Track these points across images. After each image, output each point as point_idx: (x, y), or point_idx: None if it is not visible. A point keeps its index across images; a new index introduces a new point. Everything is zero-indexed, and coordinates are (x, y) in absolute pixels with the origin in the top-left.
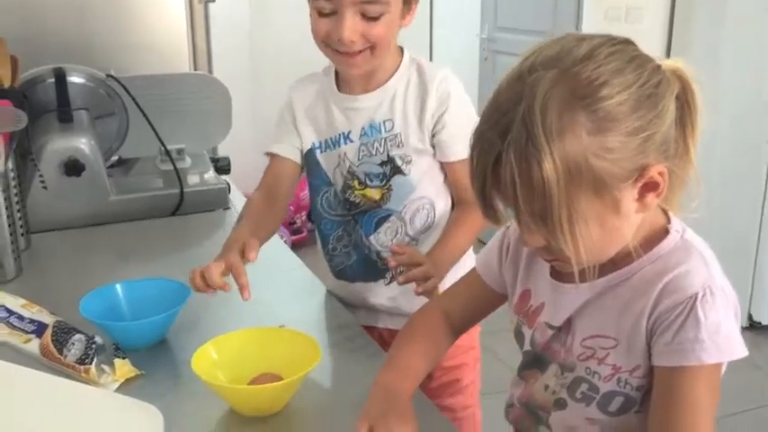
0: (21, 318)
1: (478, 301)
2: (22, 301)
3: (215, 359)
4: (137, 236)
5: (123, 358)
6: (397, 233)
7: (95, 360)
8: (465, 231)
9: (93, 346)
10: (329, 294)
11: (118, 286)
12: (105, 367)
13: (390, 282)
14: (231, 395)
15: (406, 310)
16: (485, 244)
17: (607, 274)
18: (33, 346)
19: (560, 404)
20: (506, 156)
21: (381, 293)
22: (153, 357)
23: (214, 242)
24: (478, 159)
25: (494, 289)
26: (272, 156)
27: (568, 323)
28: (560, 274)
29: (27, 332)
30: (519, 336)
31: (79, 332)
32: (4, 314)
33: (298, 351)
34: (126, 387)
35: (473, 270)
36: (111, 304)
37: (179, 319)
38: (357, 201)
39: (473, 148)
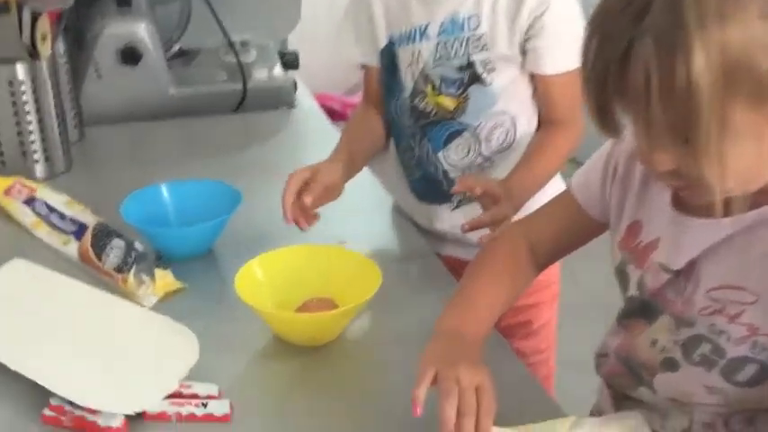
0: (62, 216)
1: (571, 229)
2: (66, 198)
3: (260, 279)
4: (195, 133)
5: (165, 269)
6: (469, 151)
7: (134, 269)
8: (550, 157)
9: (133, 253)
10: (397, 211)
11: (163, 188)
12: (145, 277)
13: (458, 207)
14: (277, 322)
15: (476, 240)
16: (581, 165)
17: (751, 210)
18: (72, 248)
19: (670, 365)
20: (640, 46)
21: (447, 219)
22: (197, 270)
23: (277, 143)
24: (598, 52)
25: (592, 216)
26: (360, 64)
27: (691, 267)
28: (686, 205)
29: (67, 233)
30: (622, 276)
31: (120, 236)
32: (45, 211)
33: (356, 274)
34: (165, 301)
35: (566, 192)
36: (156, 208)
37: (229, 228)
38: (428, 110)
39: (590, 36)
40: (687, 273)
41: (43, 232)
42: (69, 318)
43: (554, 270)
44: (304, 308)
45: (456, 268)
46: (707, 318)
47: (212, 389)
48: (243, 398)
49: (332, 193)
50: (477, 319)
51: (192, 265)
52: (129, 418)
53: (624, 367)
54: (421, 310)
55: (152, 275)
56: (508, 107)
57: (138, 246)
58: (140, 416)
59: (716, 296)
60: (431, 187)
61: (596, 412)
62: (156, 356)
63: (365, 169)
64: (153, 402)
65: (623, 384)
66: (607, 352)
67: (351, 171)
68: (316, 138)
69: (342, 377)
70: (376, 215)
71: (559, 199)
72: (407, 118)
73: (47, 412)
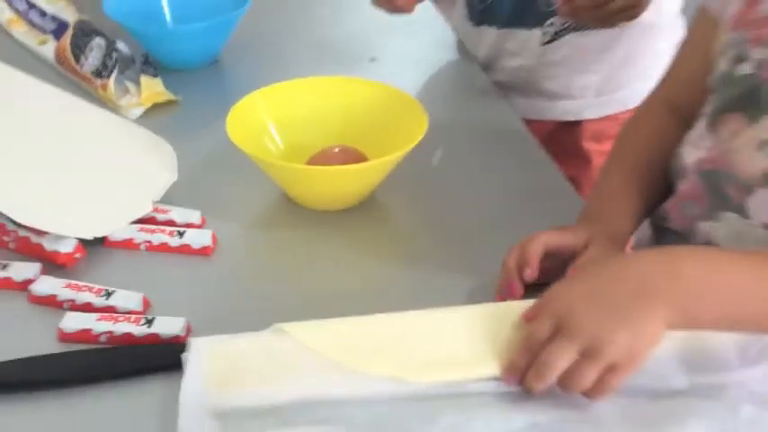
0: (42, 14)
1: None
2: None
3: (264, 120)
4: None
5: (154, 77)
6: None
7: (115, 73)
8: None
9: (114, 55)
10: (461, 46)
11: None
12: (129, 85)
13: (552, 41)
14: (286, 176)
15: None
16: None
17: None
18: (49, 49)
19: None
20: None
21: (535, 54)
22: (194, 82)
23: None
24: None
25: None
26: None
27: None
28: None
29: (45, 31)
30: (728, 64)
31: (101, 35)
32: (24, 6)
33: (393, 114)
34: (152, 116)
35: (698, 18)
36: (150, 4)
37: (237, 35)
38: None
39: None
40: None
41: (20, 30)
42: (31, 124)
43: None
44: (320, 157)
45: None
46: None
47: (193, 216)
48: (229, 231)
49: None
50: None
51: (189, 76)
52: (86, 243)
53: (705, 185)
54: (480, 170)
55: (137, 83)
56: None
57: (122, 46)
58: (101, 241)
59: None
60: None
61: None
62: (127, 173)
63: None
64: (116, 227)
65: (695, 212)
66: (682, 167)
67: None
68: None
69: (359, 243)
70: (432, 36)
71: (692, 32)
72: None
73: None
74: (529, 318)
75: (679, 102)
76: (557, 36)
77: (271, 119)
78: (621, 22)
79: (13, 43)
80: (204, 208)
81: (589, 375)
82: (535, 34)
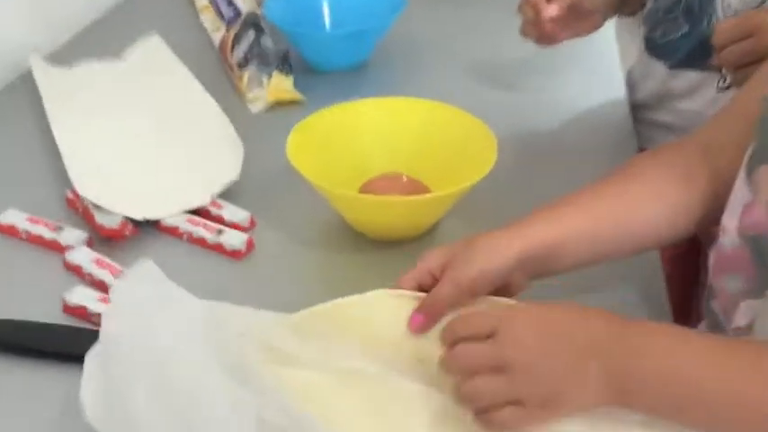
0: (229, 3)
1: None
2: None
3: (329, 138)
4: None
5: (287, 74)
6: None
7: (254, 66)
8: None
9: (256, 49)
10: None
11: None
12: (264, 79)
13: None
14: (339, 203)
15: None
16: None
17: None
18: (217, 37)
19: None
20: None
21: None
22: (330, 86)
23: None
24: None
25: None
26: None
27: None
28: None
29: (223, 18)
30: None
31: (256, 27)
32: None
33: (461, 139)
34: (276, 111)
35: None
36: (314, 4)
37: (391, 37)
38: None
39: None
40: None
41: (207, 17)
42: (150, 110)
43: None
44: (379, 183)
45: None
46: None
47: (242, 217)
48: (272, 239)
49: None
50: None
51: (338, 78)
52: (139, 222)
53: (751, 254)
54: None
55: (270, 78)
56: None
57: (266, 41)
58: (155, 225)
59: None
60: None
61: None
62: (196, 162)
63: None
64: (168, 213)
65: (737, 287)
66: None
67: None
68: None
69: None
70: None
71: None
72: None
73: (68, 195)
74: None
75: (716, 147)
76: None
77: (337, 137)
78: None
79: (198, 29)
80: (259, 211)
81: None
82: (711, 78)
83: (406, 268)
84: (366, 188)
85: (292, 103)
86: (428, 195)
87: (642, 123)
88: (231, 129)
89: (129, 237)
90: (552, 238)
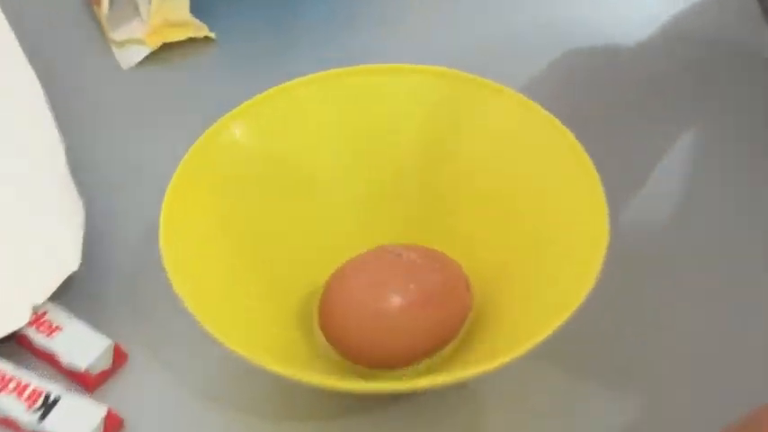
0: None
1: None
2: None
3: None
4: None
5: None
6: None
7: None
8: None
9: None
10: None
11: None
12: (140, 4)
13: None
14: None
15: None
16: None
17: None
18: None
19: None
20: None
21: None
22: (248, 17)
23: None
24: None
25: None
26: None
27: None
28: None
29: None
30: None
31: None
32: None
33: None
34: (166, 63)
35: None
36: None
37: None
38: None
39: None
40: None
41: None
42: None
43: None
44: (351, 284)
45: None
46: None
47: (98, 349)
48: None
49: None
50: None
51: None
52: None
53: None
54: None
55: (148, 2)
56: None
57: None
58: None
59: None
60: None
61: None
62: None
63: None
64: None
65: None
66: None
67: None
68: None
69: None
70: None
71: None
72: None
73: None
74: None
75: None
76: None
77: (272, 174)
78: None
79: None
80: (133, 326)
81: None
82: None
83: None
84: (336, 290)
85: (192, 45)
86: (469, 371)
87: None
88: (62, 161)
89: None
90: None
